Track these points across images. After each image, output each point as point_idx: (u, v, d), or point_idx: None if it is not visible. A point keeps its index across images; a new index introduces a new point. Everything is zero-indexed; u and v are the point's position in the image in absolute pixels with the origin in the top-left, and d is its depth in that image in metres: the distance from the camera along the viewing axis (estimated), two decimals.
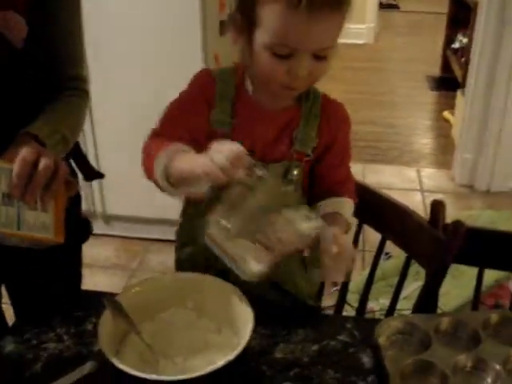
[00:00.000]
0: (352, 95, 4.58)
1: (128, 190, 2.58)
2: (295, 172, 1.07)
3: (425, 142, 4.00)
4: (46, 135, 1.04)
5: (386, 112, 4.37)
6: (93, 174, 1.36)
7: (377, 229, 1.32)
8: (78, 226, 1.33)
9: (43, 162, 0.92)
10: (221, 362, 0.85)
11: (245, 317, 0.94)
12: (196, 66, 2.45)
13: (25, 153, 0.92)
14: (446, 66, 4.89)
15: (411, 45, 5.97)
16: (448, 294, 2.04)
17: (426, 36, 6.00)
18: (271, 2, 0.92)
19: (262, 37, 0.95)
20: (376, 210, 1.31)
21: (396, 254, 2.35)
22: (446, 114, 4.19)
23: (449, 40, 4.83)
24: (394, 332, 1.04)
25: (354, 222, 1.13)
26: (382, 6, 7.08)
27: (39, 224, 0.94)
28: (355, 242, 1.34)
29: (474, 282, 1.23)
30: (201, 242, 0.92)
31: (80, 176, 1.34)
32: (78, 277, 1.41)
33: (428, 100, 4.68)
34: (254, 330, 0.90)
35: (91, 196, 2.80)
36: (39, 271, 1.25)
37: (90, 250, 2.77)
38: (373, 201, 1.31)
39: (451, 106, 4.09)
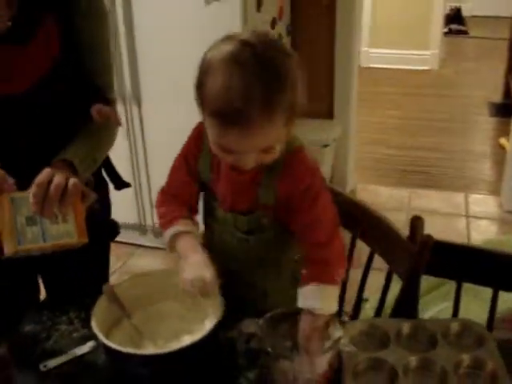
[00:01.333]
0: (410, 121, 4.65)
1: None
2: (264, 221, 1.17)
3: (478, 168, 3.99)
4: (79, 161, 1.20)
5: (442, 138, 4.39)
6: (121, 184, 1.54)
7: (368, 244, 1.43)
8: (106, 227, 1.52)
9: (55, 182, 1.08)
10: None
11: (217, 309, 1.08)
12: None
13: (40, 176, 1.08)
14: (507, 92, 4.86)
15: (476, 71, 5.95)
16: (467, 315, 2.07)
17: (492, 62, 5.95)
18: (208, 114, 1.01)
19: (208, 132, 1.05)
20: (366, 225, 1.41)
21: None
22: (503, 140, 4.16)
23: (511, 66, 4.80)
24: (358, 333, 1.15)
25: (334, 308, 1.14)
26: (450, 32, 7.09)
27: (62, 233, 1.10)
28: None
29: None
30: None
31: (111, 186, 1.53)
32: (106, 272, 1.58)
33: (487, 126, 4.66)
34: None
35: (142, 210, 3.03)
36: (71, 266, 1.42)
37: (139, 261, 3.00)
38: (363, 217, 1.41)
39: (508, 133, 4.07)
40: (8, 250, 1.03)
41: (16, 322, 1.26)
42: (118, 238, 3.05)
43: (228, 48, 0.99)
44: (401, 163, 4.00)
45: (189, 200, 1.24)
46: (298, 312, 1.07)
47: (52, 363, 1.12)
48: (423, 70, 5.88)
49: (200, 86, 1.03)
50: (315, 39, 3.24)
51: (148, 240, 3.12)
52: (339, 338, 1.01)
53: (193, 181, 1.23)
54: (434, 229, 1.28)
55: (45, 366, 1.11)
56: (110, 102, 1.34)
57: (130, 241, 3.12)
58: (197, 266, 1.10)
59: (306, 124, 3.28)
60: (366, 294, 1.71)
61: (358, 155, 3.83)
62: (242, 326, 1.07)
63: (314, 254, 1.15)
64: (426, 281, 2.36)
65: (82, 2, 1.27)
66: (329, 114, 3.42)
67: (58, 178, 1.09)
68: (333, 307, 1.13)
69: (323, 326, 1.03)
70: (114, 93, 1.41)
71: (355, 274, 1.45)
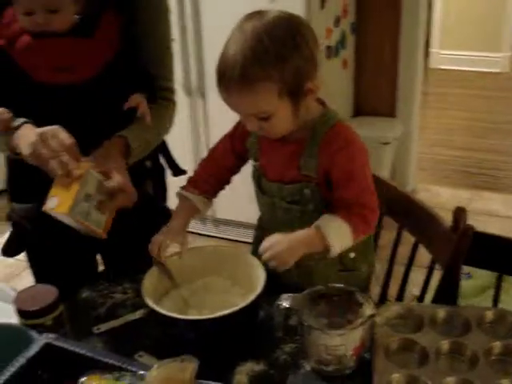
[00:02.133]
0: (477, 123, 4.55)
1: (235, 196, 2.86)
2: (307, 191, 1.23)
3: None
4: (132, 138, 1.32)
5: (509, 141, 4.29)
6: (178, 171, 1.62)
7: (412, 234, 1.45)
8: (162, 214, 1.61)
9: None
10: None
11: (260, 284, 1.15)
12: None
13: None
14: None
15: None
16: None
17: None
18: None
19: None
20: (412, 216, 1.44)
21: (476, 275, 2.39)
22: None
23: None
24: (394, 315, 1.18)
25: (336, 243, 1.17)
26: None
27: (97, 220, 1.20)
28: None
29: None
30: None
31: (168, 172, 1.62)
32: None
33: None
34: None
35: None
36: (128, 247, 1.52)
37: None
38: (409, 208, 1.44)
39: None
40: (59, 209, 1.13)
41: (75, 290, 1.36)
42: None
43: (247, 19, 1.12)
44: (465, 165, 3.94)
45: (223, 170, 1.37)
46: (337, 293, 1.12)
47: (104, 326, 1.21)
48: (494, 73, 5.72)
49: None
50: (380, 37, 3.24)
51: (208, 229, 3.21)
52: (371, 316, 1.06)
53: (233, 156, 1.34)
54: (493, 230, 1.31)
55: (98, 329, 1.21)
56: (164, 91, 1.45)
57: (191, 229, 3.22)
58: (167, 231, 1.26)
59: (368, 121, 3.33)
60: (414, 290, 1.73)
61: (421, 155, 3.79)
62: (280, 300, 1.12)
63: (335, 208, 1.20)
64: (472, 285, 2.37)
65: None
66: (391, 113, 3.41)
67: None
68: (342, 246, 1.19)
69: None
70: (171, 82, 1.49)
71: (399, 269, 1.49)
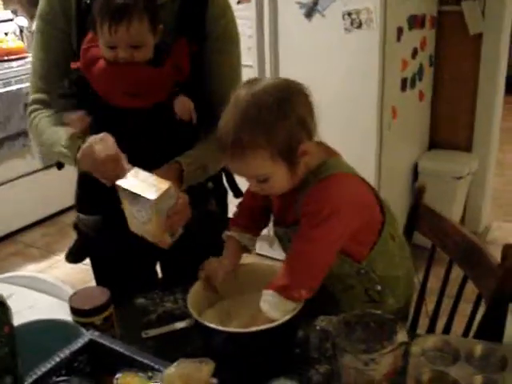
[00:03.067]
0: None
1: None
2: None
3: None
4: (187, 164, 1.40)
5: None
6: (239, 193, 1.67)
7: (462, 267, 1.45)
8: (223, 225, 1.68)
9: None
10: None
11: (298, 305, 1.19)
12: (372, 116, 2.72)
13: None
14: None
15: None
16: None
17: None
18: None
19: None
20: (462, 249, 1.44)
21: None
22: None
23: None
24: (430, 346, 1.18)
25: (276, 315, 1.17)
26: None
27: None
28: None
29: None
30: None
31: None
32: None
33: None
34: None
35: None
36: (187, 258, 1.59)
37: None
38: (460, 241, 1.44)
39: None
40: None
41: (131, 296, 1.46)
42: None
43: (243, 88, 1.19)
44: None
45: (258, 213, 1.42)
46: (374, 319, 1.15)
47: (152, 332, 1.29)
48: None
49: None
50: (459, 70, 3.22)
51: (275, 252, 3.27)
52: (403, 343, 1.07)
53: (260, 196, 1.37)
54: None
55: (146, 334, 1.29)
56: None
57: (259, 251, 3.30)
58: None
59: (442, 154, 3.30)
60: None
61: (497, 192, 3.70)
62: (317, 321, 1.16)
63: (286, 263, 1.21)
64: None
65: (217, 27, 1.45)
66: (467, 147, 3.36)
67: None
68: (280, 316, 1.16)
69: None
70: None
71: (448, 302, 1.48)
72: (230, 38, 1.50)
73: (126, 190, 1.23)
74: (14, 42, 3.85)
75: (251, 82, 1.20)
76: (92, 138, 1.28)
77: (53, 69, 1.45)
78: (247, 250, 1.38)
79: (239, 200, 1.51)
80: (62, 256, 3.39)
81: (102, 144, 1.27)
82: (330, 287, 1.23)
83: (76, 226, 1.57)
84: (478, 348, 1.16)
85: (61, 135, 1.38)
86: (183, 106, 1.39)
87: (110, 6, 1.28)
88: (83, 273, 2.30)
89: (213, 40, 1.46)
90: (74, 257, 1.58)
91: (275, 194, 1.26)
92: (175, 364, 0.90)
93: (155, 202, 1.20)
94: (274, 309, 1.16)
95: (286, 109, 1.15)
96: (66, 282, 1.87)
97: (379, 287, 1.32)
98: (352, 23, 2.59)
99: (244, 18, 2.80)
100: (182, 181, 1.38)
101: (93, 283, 1.70)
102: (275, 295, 1.16)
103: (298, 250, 1.22)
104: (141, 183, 1.23)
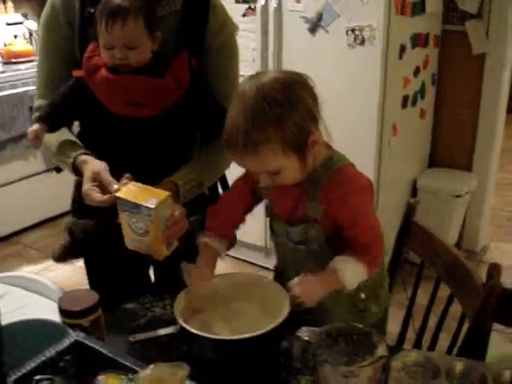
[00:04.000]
0: None
1: None
2: (312, 232, 1.29)
3: None
4: (183, 184, 1.42)
5: None
6: None
7: (449, 286, 1.47)
8: None
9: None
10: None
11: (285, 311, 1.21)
12: (372, 132, 2.75)
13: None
14: None
15: None
16: None
17: None
18: None
19: None
20: (450, 268, 1.46)
21: None
22: None
23: None
24: (411, 361, 1.20)
25: (352, 283, 1.24)
26: None
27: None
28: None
29: None
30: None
31: None
32: None
33: None
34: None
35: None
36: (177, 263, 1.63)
37: None
38: (448, 259, 1.46)
39: None
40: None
41: (122, 300, 1.48)
42: (244, 257, 3.30)
43: (247, 84, 1.18)
44: None
45: (239, 213, 1.41)
46: (355, 332, 1.17)
47: (139, 336, 1.31)
48: None
49: None
50: (461, 89, 3.24)
51: (272, 263, 3.28)
52: (382, 357, 1.09)
53: (250, 196, 1.39)
54: None
55: (133, 338, 1.31)
56: None
57: (256, 261, 3.32)
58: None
59: (442, 172, 3.32)
60: None
61: (497, 212, 3.71)
62: (299, 332, 1.18)
63: (353, 245, 1.25)
64: None
65: (217, 40, 1.48)
66: (468, 166, 3.38)
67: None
68: (355, 285, 1.24)
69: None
70: None
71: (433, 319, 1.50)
72: (230, 50, 1.54)
73: (126, 200, 1.26)
74: (22, 45, 3.90)
75: (253, 76, 1.20)
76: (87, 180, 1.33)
77: (56, 76, 1.49)
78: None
79: None
80: None
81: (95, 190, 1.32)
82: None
83: (70, 230, 1.60)
84: (459, 365, 1.18)
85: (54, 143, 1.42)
86: None
87: (108, 7, 1.33)
88: (79, 276, 2.32)
89: (213, 53, 1.49)
90: (61, 256, 1.60)
91: (288, 184, 1.25)
92: (150, 367, 0.92)
93: (155, 210, 1.23)
94: (355, 280, 1.24)
95: (294, 101, 1.16)
96: (62, 285, 1.89)
97: (363, 295, 1.34)
98: (355, 39, 2.62)
99: (249, 31, 2.85)
100: (178, 199, 1.41)
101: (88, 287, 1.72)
102: (364, 266, 1.23)
103: (363, 224, 1.25)
104: (139, 194, 1.26)
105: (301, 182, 1.25)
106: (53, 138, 1.46)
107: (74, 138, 1.48)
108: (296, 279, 1.23)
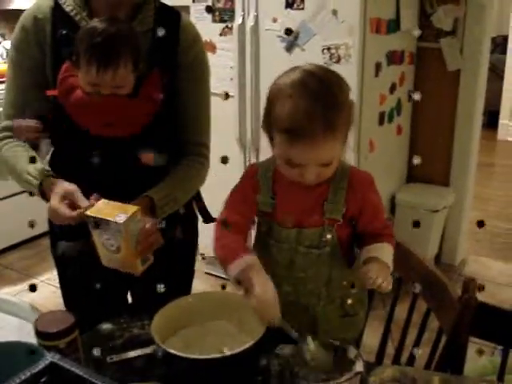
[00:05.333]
0: None
1: None
2: (328, 236, 1.30)
3: None
4: (159, 199, 1.43)
5: None
6: (209, 219, 1.70)
7: (426, 300, 1.48)
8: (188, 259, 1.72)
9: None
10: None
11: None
12: (349, 150, 2.76)
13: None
14: None
15: None
16: None
17: None
18: (277, 131, 1.19)
19: (275, 150, 1.24)
20: (427, 282, 1.47)
21: None
22: None
23: None
24: (388, 377, 1.21)
25: (391, 264, 1.30)
26: None
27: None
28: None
29: None
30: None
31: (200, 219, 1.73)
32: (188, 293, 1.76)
33: None
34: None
35: None
36: (153, 284, 1.62)
37: None
38: (425, 274, 1.48)
39: None
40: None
41: (99, 321, 1.47)
42: (213, 272, 3.30)
43: (296, 75, 1.18)
44: None
45: (246, 229, 1.37)
46: (333, 348, 1.17)
47: (117, 357, 1.30)
48: None
49: (270, 110, 1.21)
50: (437, 105, 3.29)
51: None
52: (358, 373, 1.10)
53: (251, 211, 1.36)
54: None
55: (111, 359, 1.30)
56: (199, 146, 1.56)
57: (224, 275, 3.31)
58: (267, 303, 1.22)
59: (419, 187, 3.35)
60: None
61: (475, 226, 3.74)
62: (277, 349, 1.18)
63: (374, 237, 1.32)
64: None
65: (188, 57, 1.50)
66: (445, 182, 3.42)
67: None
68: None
69: None
70: (207, 139, 1.60)
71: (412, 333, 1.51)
72: (201, 66, 1.55)
73: (95, 217, 1.26)
74: (0, 65, 3.89)
75: (293, 69, 1.21)
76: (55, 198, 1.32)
77: (23, 97, 1.48)
78: None
79: (210, 225, 1.51)
80: (39, 279, 3.40)
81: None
82: (311, 304, 1.29)
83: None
84: (436, 379, 1.19)
85: (23, 166, 1.41)
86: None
87: (97, 47, 1.32)
88: (60, 297, 2.30)
89: (184, 69, 1.51)
90: None
91: (325, 178, 1.25)
92: None
93: (124, 225, 1.23)
94: (391, 260, 1.29)
95: (346, 86, 1.21)
96: (42, 306, 1.87)
97: (350, 301, 1.36)
98: (331, 57, 2.65)
99: (226, 50, 2.87)
100: (155, 214, 1.41)
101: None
102: (391, 245, 1.32)
103: (381, 215, 1.35)
104: (108, 210, 1.26)
105: (321, 183, 1.26)
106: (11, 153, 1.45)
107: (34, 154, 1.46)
108: (370, 273, 1.22)
